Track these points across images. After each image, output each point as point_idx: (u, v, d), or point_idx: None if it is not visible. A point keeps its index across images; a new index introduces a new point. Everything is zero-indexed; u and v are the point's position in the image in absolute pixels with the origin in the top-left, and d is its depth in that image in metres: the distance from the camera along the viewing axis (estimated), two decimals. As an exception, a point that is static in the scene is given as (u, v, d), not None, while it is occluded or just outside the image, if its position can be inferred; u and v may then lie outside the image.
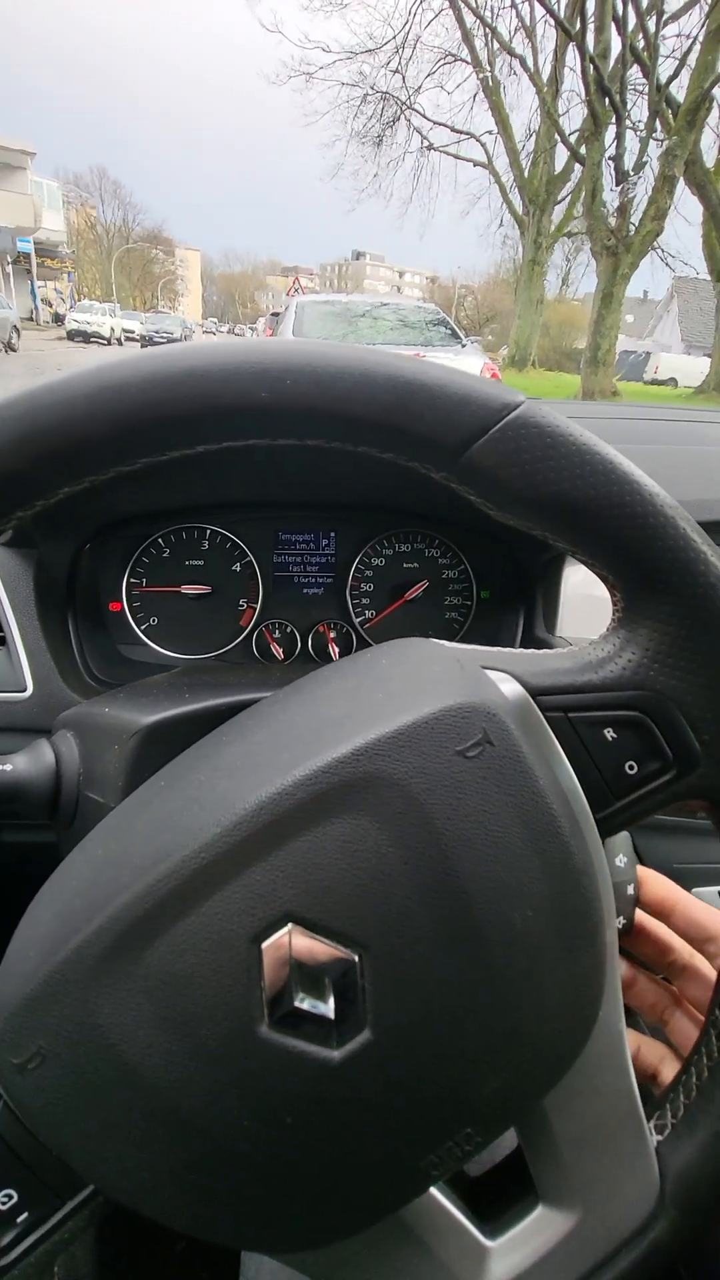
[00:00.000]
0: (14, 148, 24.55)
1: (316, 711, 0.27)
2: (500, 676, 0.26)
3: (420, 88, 18.25)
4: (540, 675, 0.26)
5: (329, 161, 22.41)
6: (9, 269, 24.72)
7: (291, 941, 0.22)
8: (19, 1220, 0.25)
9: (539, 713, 0.26)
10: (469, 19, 15.13)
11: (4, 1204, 0.25)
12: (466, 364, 4.47)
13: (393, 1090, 0.22)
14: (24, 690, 0.52)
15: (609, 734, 0.26)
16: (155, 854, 0.23)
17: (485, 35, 15.34)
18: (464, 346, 5.10)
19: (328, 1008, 0.22)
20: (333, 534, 0.67)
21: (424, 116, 18.94)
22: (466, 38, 15.47)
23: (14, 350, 14.92)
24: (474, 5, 14.92)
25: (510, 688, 0.26)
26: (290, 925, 0.22)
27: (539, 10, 13.76)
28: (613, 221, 11.76)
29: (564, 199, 16.09)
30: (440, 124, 18.73)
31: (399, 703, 0.24)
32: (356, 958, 0.22)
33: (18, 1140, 0.24)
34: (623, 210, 11.73)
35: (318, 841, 0.22)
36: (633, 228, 11.59)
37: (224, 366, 0.24)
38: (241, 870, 0.22)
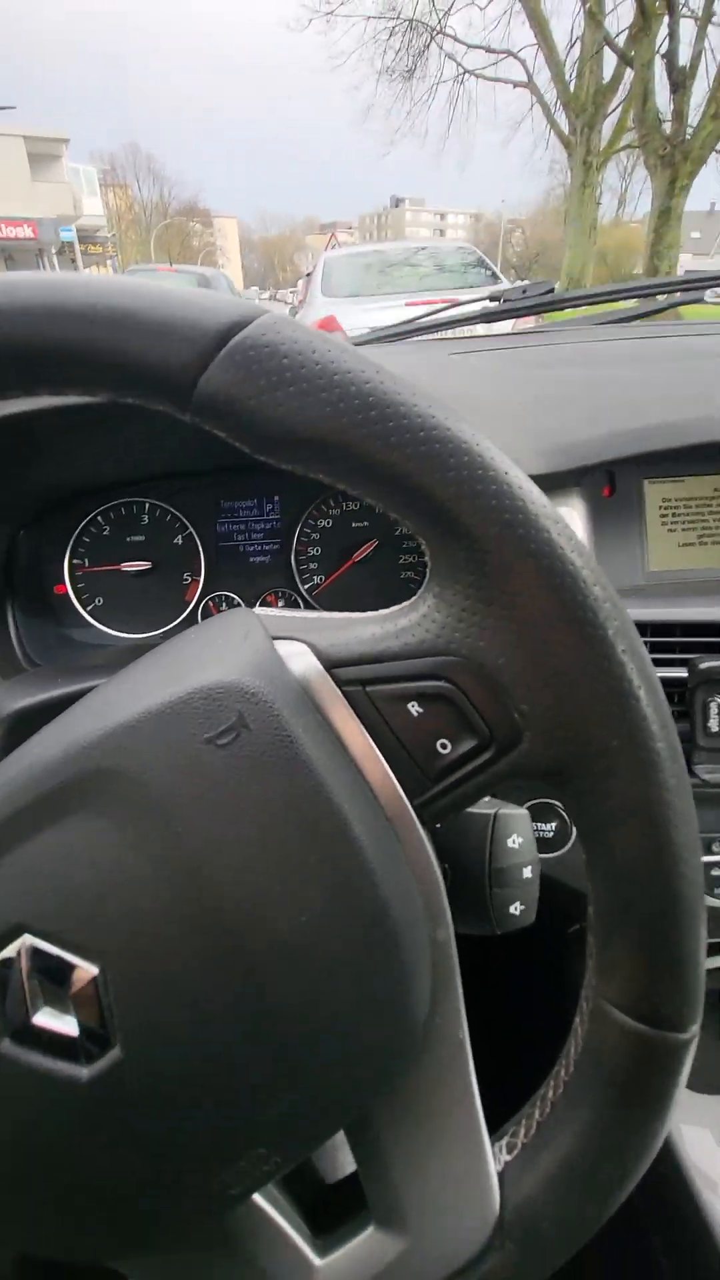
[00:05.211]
0: (48, 137, 24.71)
1: (96, 699, 0.25)
2: (295, 649, 0.23)
3: (451, 8, 17.06)
4: (338, 645, 0.23)
5: (359, 105, 21.47)
6: (54, 260, 25.15)
7: (26, 955, 0.21)
8: None
9: (334, 689, 0.23)
10: None
11: None
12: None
13: (155, 1110, 0.21)
14: (-42, 679, 0.53)
15: (413, 709, 0.23)
16: None
17: (518, -63, 14.10)
18: (502, 286, 4.81)
19: (70, 1024, 0.21)
20: (276, 498, 0.63)
21: (457, 40, 17.75)
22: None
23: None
24: None
25: (302, 661, 0.23)
26: (24, 937, 0.21)
27: None
28: (668, 128, 10.76)
29: (614, 111, 14.82)
30: (475, 46, 17.52)
31: (155, 685, 0.22)
32: (97, 970, 0.21)
33: None
34: (679, 114, 10.68)
35: (49, 845, 0.21)
36: (691, 131, 10.56)
37: None
38: None
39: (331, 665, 0.23)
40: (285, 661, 0.23)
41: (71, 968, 0.21)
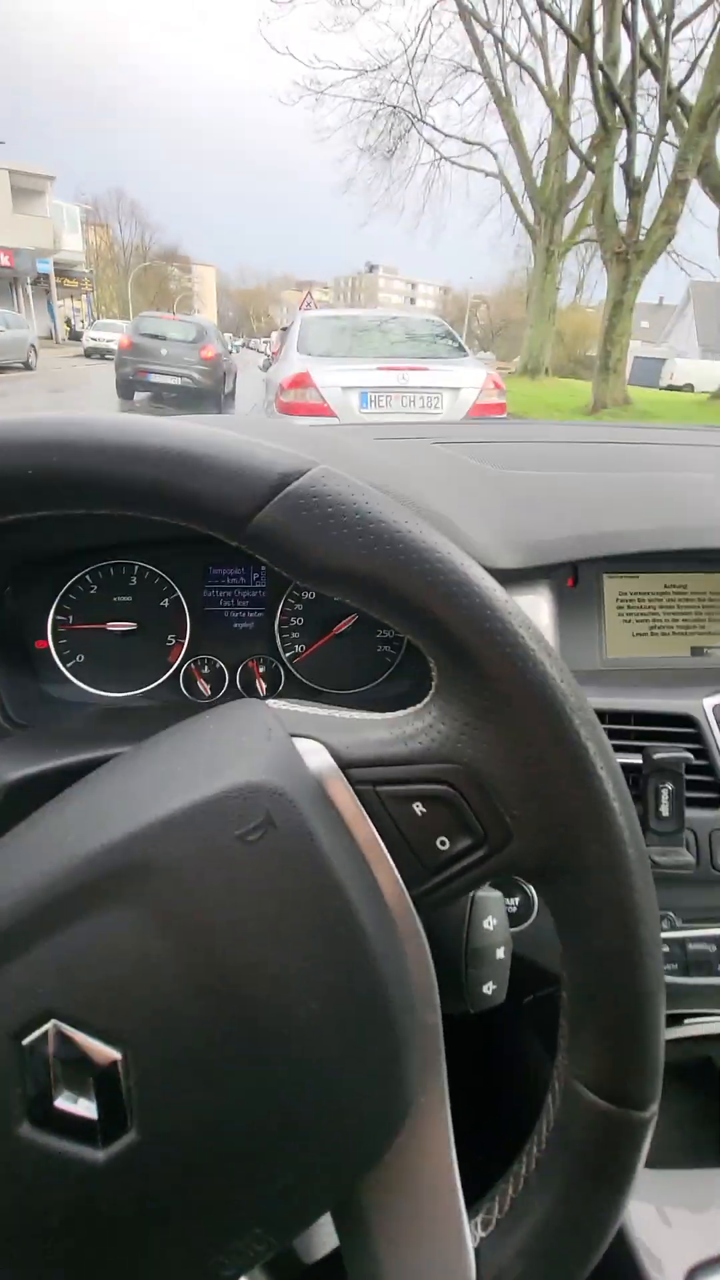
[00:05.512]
0: (34, 173, 25.15)
1: (125, 785, 0.26)
2: (311, 747, 0.25)
3: (431, 100, 18.40)
4: (353, 746, 0.26)
5: (341, 176, 22.72)
6: (28, 290, 25.28)
7: (53, 1039, 0.21)
8: None
9: (348, 787, 0.25)
10: (479, 31, 15.24)
11: None
12: (469, 376, 4.45)
13: (165, 1191, 0.22)
14: (-65, 734, 0.52)
15: (418, 809, 0.25)
16: None
17: (495, 46, 15.44)
18: (467, 358, 5.08)
19: (89, 1108, 0.21)
20: (263, 568, 0.66)
21: (435, 129, 19.09)
22: (477, 49, 15.57)
23: (31, 369, 15.24)
24: (484, 19, 15.04)
25: (318, 760, 0.25)
26: (52, 1022, 0.21)
27: (550, 20, 13.81)
28: (624, 228, 11.72)
29: (576, 207, 16.08)
30: (451, 136, 18.87)
31: (188, 780, 0.24)
32: (119, 1055, 0.21)
33: None
34: (634, 217, 11.67)
35: (84, 935, 0.22)
36: (644, 233, 11.52)
37: None
38: (1, 965, 0.22)
39: (345, 765, 0.25)
40: (303, 759, 0.25)
41: (95, 1052, 0.21)
